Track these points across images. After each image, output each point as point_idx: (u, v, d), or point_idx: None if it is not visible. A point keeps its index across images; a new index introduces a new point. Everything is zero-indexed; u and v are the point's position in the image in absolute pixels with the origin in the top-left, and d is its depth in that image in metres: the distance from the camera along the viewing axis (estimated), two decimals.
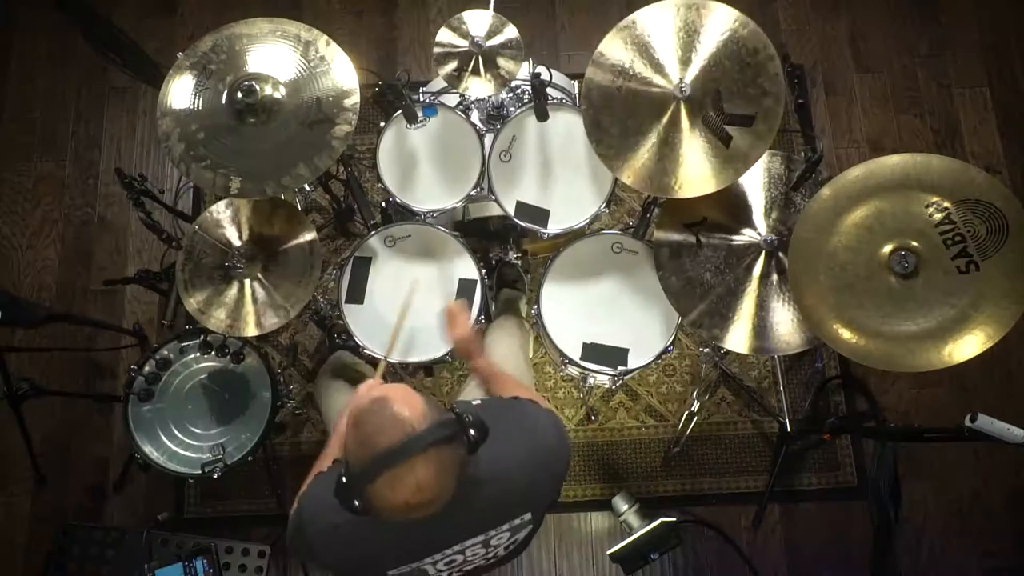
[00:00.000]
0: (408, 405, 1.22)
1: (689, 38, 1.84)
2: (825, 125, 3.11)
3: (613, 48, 1.87)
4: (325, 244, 2.93)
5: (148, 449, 2.18)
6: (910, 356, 1.70)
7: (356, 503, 1.21)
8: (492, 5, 2.05)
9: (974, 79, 3.15)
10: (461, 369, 2.68)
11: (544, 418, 1.49)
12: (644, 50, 1.85)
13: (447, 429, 1.21)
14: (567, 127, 2.19)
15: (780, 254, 2.00)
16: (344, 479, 1.23)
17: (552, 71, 2.13)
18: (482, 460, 1.33)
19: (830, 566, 2.67)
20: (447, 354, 2.13)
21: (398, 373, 2.66)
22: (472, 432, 1.24)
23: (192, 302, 2.07)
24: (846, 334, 1.73)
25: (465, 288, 2.17)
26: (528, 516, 1.47)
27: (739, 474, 2.73)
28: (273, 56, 1.98)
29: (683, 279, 2.02)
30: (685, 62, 1.84)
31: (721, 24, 1.83)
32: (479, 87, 2.02)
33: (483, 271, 2.20)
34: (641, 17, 1.86)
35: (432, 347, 2.14)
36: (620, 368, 2.14)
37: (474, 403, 1.45)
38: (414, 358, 2.15)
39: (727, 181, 1.82)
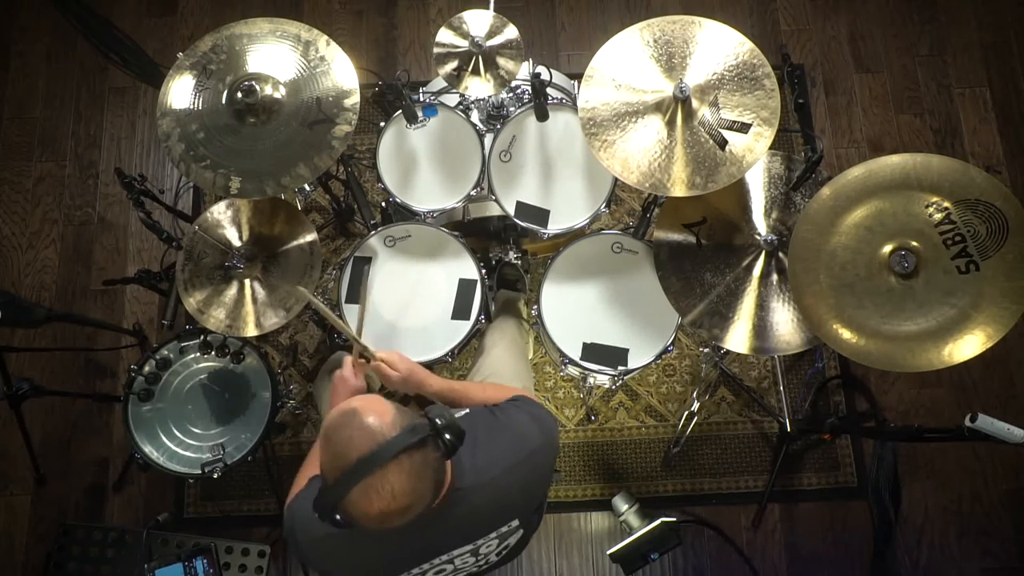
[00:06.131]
0: (377, 414, 1.21)
1: (681, 48, 1.88)
2: (825, 125, 3.11)
3: (604, 65, 1.90)
4: (325, 244, 2.93)
5: (148, 449, 2.18)
6: (910, 356, 1.70)
7: (337, 516, 1.20)
8: (492, 5, 2.05)
9: (974, 79, 3.15)
10: (461, 369, 2.68)
11: (525, 420, 1.47)
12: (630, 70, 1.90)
13: (418, 434, 1.19)
14: (567, 127, 2.19)
15: (780, 254, 1.99)
16: (322, 493, 1.21)
17: (552, 71, 2.13)
18: (466, 470, 1.33)
19: (830, 566, 2.67)
20: (447, 354, 2.13)
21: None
22: (447, 436, 1.22)
23: (192, 302, 2.07)
24: (846, 334, 1.73)
25: (465, 288, 2.17)
26: (516, 523, 1.47)
27: (739, 474, 2.73)
28: (273, 56, 1.99)
29: (683, 279, 2.02)
30: (680, 69, 1.86)
31: (722, 42, 1.88)
32: (479, 87, 2.02)
33: (483, 271, 2.19)
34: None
35: (431, 347, 2.14)
36: (620, 368, 2.13)
37: (457, 416, 1.45)
38: (412, 359, 2.14)
39: (723, 183, 1.83)
